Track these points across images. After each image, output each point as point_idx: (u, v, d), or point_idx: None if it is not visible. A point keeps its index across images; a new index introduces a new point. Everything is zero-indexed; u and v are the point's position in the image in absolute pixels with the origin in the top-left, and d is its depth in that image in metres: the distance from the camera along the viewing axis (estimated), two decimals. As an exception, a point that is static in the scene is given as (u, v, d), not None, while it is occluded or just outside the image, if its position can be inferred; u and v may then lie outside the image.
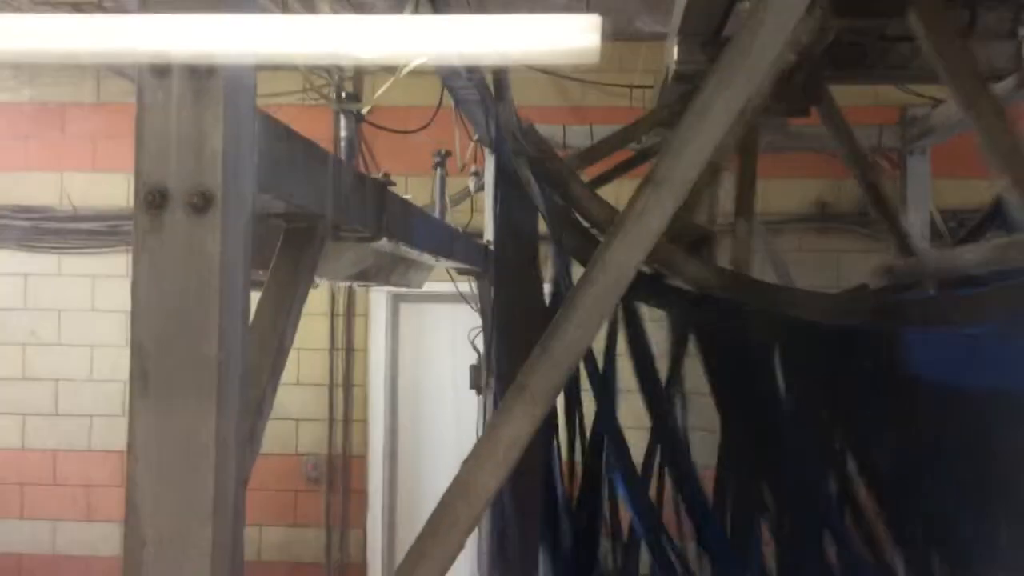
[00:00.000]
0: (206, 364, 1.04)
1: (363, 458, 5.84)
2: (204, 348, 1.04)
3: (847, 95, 3.83)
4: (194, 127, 1.07)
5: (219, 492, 1.02)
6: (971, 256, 2.59)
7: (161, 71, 1.09)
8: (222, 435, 1.04)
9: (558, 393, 1.26)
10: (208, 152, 1.07)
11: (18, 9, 4.62)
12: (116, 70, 5.54)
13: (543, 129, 4.60)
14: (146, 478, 1.03)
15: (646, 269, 2.73)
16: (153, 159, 1.08)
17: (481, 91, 3.69)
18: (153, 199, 1.06)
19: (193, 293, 1.05)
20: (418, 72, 2.96)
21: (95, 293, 5.85)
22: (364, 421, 5.85)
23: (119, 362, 5.56)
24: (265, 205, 1.40)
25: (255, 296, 1.42)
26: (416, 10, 2.53)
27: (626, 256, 1.26)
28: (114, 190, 5.60)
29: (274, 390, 1.34)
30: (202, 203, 1.05)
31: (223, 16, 1.17)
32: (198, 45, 1.14)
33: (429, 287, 4.27)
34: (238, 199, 1.10)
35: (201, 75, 1.09)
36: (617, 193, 3.13)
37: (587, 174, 3.51)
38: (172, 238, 1.06)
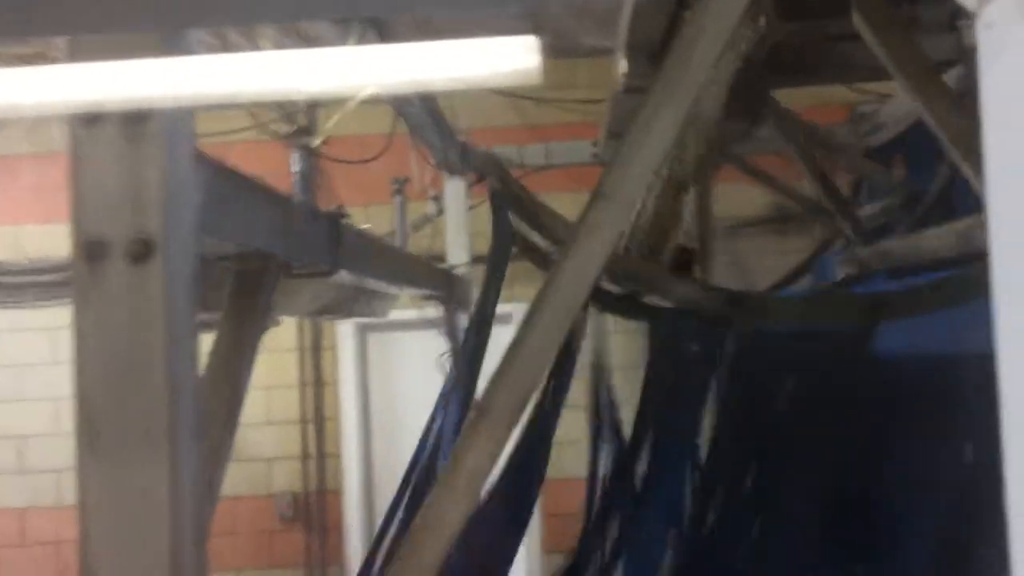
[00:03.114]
0: (156, 416, 1.01)
1: (338, 493, 5.76)
2: (153, 399, 1.01)
3: (794, 97, 3.86)
4: (130, 174, 1.05)
5: (177, 547, 0.99)
6: (936, 242, 2.61)
7: (92, 119, 1.07)
8: (178, 489, 1.01)
9: (521, 414, 1.24)
10: (146, 199, 1.05)
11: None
12: (65, 119, 5.47)
13: (500, 150, 4.61)
14: (100, 538, 1.00)
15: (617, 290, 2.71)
16: (90, 209, 1.06)
17: (434, 116, 3.69)
18: (92, 250, 1.04)
19: (139, 344, 1.02)
20: (371, 100, 2.94)
21: (56, 346, 5.75)
22: (337, 456, 5.78)
23: (85, 413, 5.44)
24: (213, 248, 1.37)
25: (209, 339, 1.39)
26: (361, 40, 2.52)
27: (579, 272, 1.25)
28: (69, 241, 5.50)
29: (232, 436, 1.31)
30: (143, 251, 1.03)
31: (158, 60, 1.15)
32: (132, 91, 1.12)
33: (395, 315, 4.25)
34: (181, 245, 1.08)
35: (135, 121, 1.07)
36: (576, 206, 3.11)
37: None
38: (114, 289, 1.03)
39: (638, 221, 2.77)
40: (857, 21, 2.35)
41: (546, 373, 2.36)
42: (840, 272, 3.38)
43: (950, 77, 3.22)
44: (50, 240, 5.68)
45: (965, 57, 3.05)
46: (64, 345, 5.72)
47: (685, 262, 2.90)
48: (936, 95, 2.23)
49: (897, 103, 4.01)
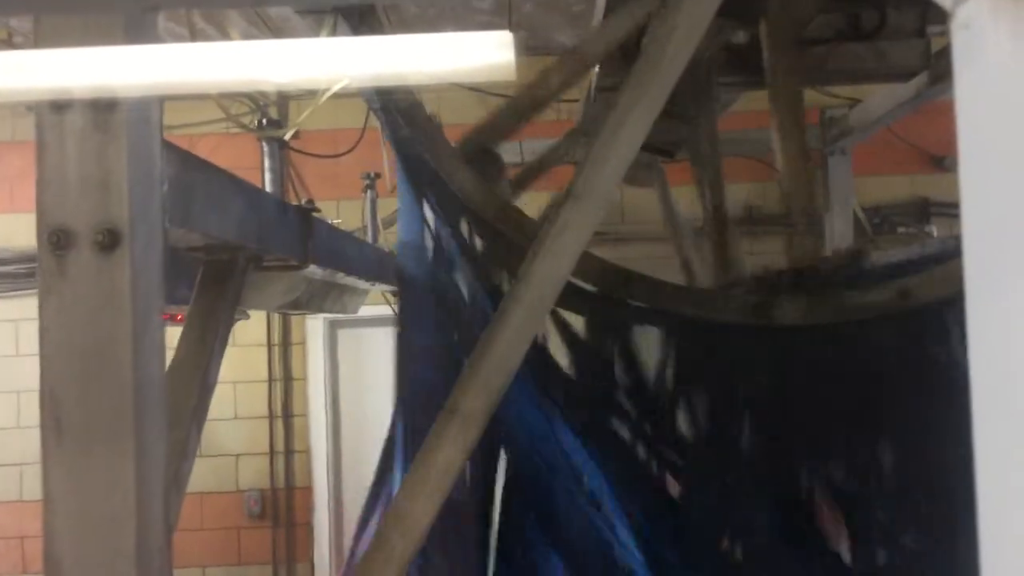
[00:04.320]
0: (122, 408, 1.00)
1: (307, 490, 5.73)
2: (119, 391, 1.00)
3: (764, 98, 3.88)
4: (97, 163, 1.04)
5: (143, 541, 0.98)
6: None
7: (60, 106, 1.06)
8: (144, 481, 1.00)
9: (490, 414, 1.24)
10: (113, 188, 1.03)
11: (-78, 49, 4.46)
12: (30, 107, 5.38)
13: (472, 147, 4.59)
14: (65, 531, 0.98)
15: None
16: (55, 197, 1.04)
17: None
18: (57, 239, 1.03)
19: (104, 335, 1.01)
20: (343, 95, 2.92)
21: (19, 337, 5.66)
22: (306, 452, 5.74)
23: (48, 407, 5.34)
24: (181, 239, 1.36)
25: (175, 332, 1.38)
26: (334, 32, 2.50)
27: (550, 271, 1.25)
28: (33, 231, 5.41)
29: (199, 429, 1.30)
30: (109, 241, 1.02)
31: (125, 48, 1.13)
32: (99, 78, 1.11)
33: (365, 311, 4.23)
34: (148, 235, 1.07)
35: (102, 109, 1.05)
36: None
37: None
38: (79, 279, 1.02)
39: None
40: (762, 31, 2.38)
41: None
42: None
43: (914, 84, 3.27)
44: (12, 230, 5.59)
45: (932, 64, 3.09)
46: (27, 337, 5.64)
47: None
48: (794, 132, 2.30)
49: (866, 108, 4.06)
